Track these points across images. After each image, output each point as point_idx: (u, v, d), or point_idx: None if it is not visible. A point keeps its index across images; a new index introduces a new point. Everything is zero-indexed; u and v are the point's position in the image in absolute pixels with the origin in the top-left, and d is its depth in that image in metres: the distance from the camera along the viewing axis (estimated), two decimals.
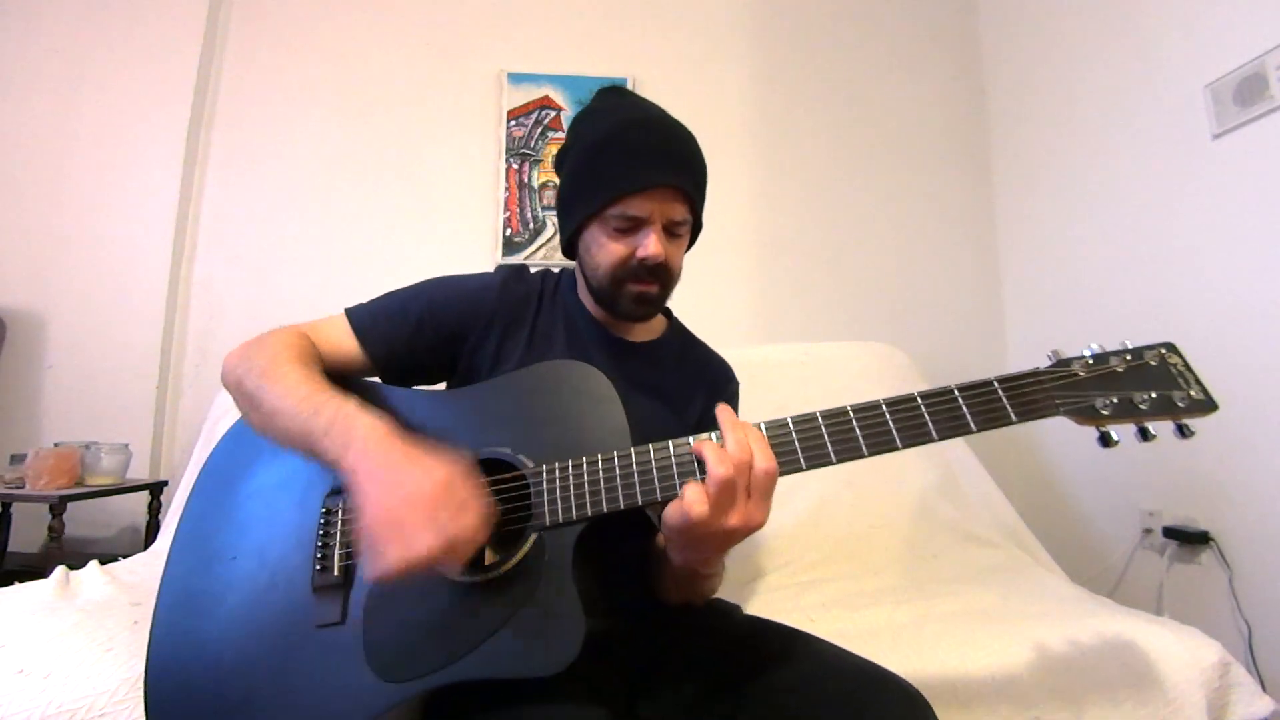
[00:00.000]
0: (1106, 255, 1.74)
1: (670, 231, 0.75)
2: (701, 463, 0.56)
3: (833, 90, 2.22)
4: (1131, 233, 1.67)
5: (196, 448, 1.56)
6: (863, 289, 2.14)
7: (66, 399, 1.86)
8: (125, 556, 1.24)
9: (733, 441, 0.56)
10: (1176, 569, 1.51)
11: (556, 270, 0.89)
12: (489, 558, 0.67)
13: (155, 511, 1.75)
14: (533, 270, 0.87)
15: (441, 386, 0.81)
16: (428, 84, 2.11)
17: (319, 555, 0.63)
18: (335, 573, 0.62)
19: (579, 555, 0.59)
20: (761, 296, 2.10)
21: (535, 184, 2.08)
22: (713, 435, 0.59)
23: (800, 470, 0.58)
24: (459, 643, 0.56)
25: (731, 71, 2.19)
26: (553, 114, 2.12)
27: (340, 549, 0.63)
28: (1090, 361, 0.59)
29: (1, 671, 0.72)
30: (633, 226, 0.73)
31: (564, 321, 0.82)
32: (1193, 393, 0.57)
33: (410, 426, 0.69)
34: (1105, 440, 0.58)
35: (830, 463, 0.58)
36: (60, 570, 1.03)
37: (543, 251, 2.05)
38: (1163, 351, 0.59)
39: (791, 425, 0.59)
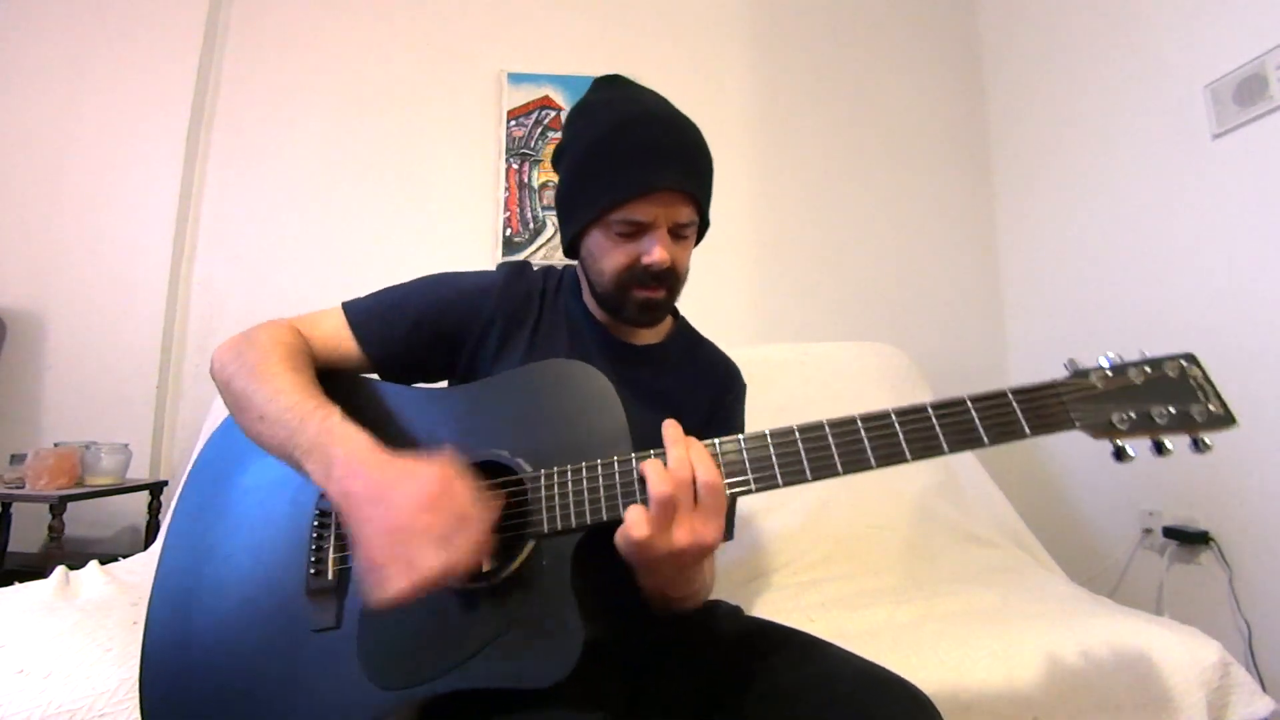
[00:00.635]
0: (1106, 255, 1.74)
1: (676, 233, 0.71)
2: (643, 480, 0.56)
3: (833, 90, 2.22)
4: (1131, 233, 1.67)
5: (196, 448, 1.54)
6: (863, 289, 2.14)
7: (66, 399, 1.86)
8: (125, 556, 1.24)
9: (673, 458, 0.56)
10: (1176, 569, 1.51)
11: (559, 268, 0.86)
12: (486, 564, 0.66)
13: (155, 511, 1.75)
14: (535, 268, 0.85)
15: (443, 384, 0.80)
16: (428, 84, 2.11)
17: (313, 559, 0.62)
18: (329, 576, 0.61)
19: (578, 562, 0.58)
20: (761, 296, 2.10)
21: (535, 184, 2.08)
22: (654, 453, 0.58)
23: (807, 482, 0.56)
24: (456, 651, 0.56)
25: (731, 71, 2.20)
26: (553, 114, 2.12)
27: (335, 552, 0.62)
28: (1108, 373, 0.57)
29: (1, 671, 0.72)
30: (636, 231, 0.70)
31: (566, 323, 0.80)
32: (1211, 407, 0.55)
33: (406, 424, 0.67)
34: (1120, 455, 0.55)
35: (838, 474, 0.56)
36: (60, 570, 1.03)
37: (543, 252, 2.05)
38: (1183, 363, 0.56)
39: (798, 435, 0.57)
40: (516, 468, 0.62)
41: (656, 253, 0.69)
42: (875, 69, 2.25)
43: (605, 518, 0.58)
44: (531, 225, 2.06)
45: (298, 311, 0.77)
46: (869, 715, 0.54)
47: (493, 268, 0.82)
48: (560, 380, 0.65)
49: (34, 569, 1.25)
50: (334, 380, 0.71)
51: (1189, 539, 1.46)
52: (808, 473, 0.56)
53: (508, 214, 2.06)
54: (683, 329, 0.89)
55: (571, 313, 0.81)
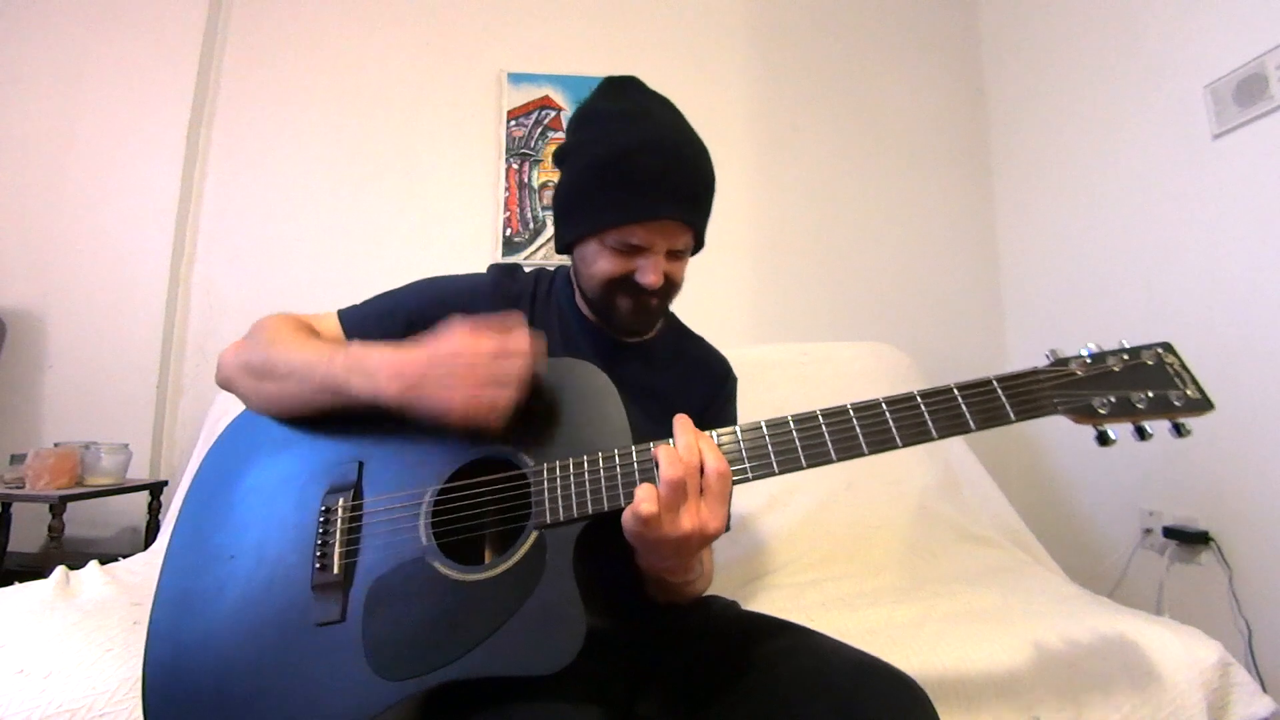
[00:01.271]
0: (1106, 255, 1.74)
1: (671, 255, 0.74)
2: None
3: (833, 90, 2.23)
4: (1131, 233, 1.67)
5: (196, 448, 1.56)
6: (863, 289, 2.14)
7: (66, 399, 1.86)
8: (125, 556, 1.24)
9: (682, 445, 0.57)
10: (1176, 569, 1.51)
11: (551, 269, 0.88)
12: (488, 556, 0.66)
13: (155, 511, 1.75)
14: (526, 270, 0.87)
15: None
16: (428, 84, 2.11)
17: (319, 554, 0.62)
18: (335, 571, 0.61)
19: (579, 553, 0.59)
20: (761, 296, 2.11)
21: (535, 184, 2.08)
22: (668, 441, 0.59)
23: (801, 469, 0.58)
24: (459, 641, 0.56)
25: (731, 71, 2.20)
26: (553, 114, 2.12)
27: (340, 547, 0.63)
28: (1088, 361, 0.60)
29: (1, 671, 0.72)
30: (633, 251, 0.72)
31: (558, 321, 0.82)
32: (1189, 392, 0.57)
33: (406, 424, 0.69)
34: (1103, 439, 0.58)
35: (831, 460, 0.58)
36: (60, 570, 1.03)
37: (542, 251, 2.05)
38: (1159, 351, 0.59)
39: (792, 424, 0.59)
40: (519, 462, 0.63)
41: (650, 275, 0.72)
42: (875, 69, 2.25)
43: (606, 508, 0.59)
44: (531, 225, 2.06)
45: (297, 311, 0.79)
46: (862, 703, 0.55)
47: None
48: (562, 379, 0.67)
49: (34, 569, 1.25)
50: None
51: (1189, 539, 1.46)
52: (802, 460, 0.58)
53: (508, 214, 2.06)
54: (672, 325, 0.91)
55: (564, 312, 0.83)
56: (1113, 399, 0.57)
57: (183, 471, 1.66)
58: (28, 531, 1.71)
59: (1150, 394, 0.57)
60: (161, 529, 1.50)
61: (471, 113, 2.11)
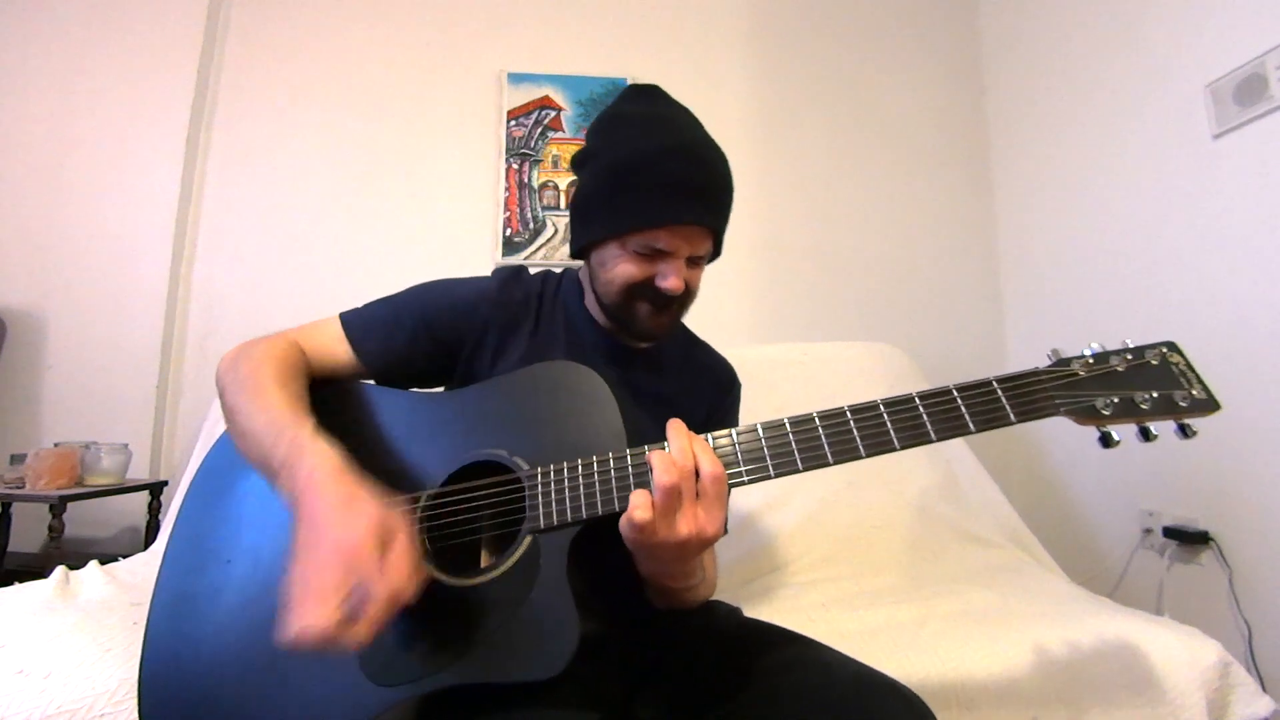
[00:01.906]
0: (1106, 254, 1.74)
1: (691, 261, 0.74)
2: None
3: (833, 89, 2.22)
4: (1131, 232, 1.67)
5: (196, 448, 1.56)
6: (863, 289, 2.14)
7: (66, 399, 1.86)
8: (125, 556, 1.24)
9: (676, 449, 0.57)
10: (1176, 569, 1.51)
11: (557, 271, 0.87)
12: (484, 560, 0.66)
13: (155, 512, 1.75)
14: (532, 271, 0.86)
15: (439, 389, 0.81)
16: (428, 84, 2.11)
17: None
18: None
19: (574, 558, 0.58)
20: (761, 296, 2.10)
21: (535, 184, 2.08)
22: (661, 445, 0.59)
23: (798, 472, 0.58)
24: (452, 647, 0.56)
25: (731, 71, 2.20)
26: (553, 114, 2.12)
27: None
28: (1091, 361, 0.58)
29: (1, 671, 0.72)
30: (654, 255, 0.72)
31: (565, 325, 0.81)
32: (1194, 392, 0.56)
33: (405, 428, 0.68)
34: (1106, 440, 0.57)
35: (828, 464, 0.57)
36: (60, 570, 1.03)
37: (543, 251, 2.05)
38: (1164, 350, 0.58)
39: (789, 427, 0.59)
40: (514, 466, 0.63)
41: (672, 280, 0.71)
42: (875, 69, 2.25)
43: (601, 512, 0.58)
44: (531, 225, 2.06)
45: (297, 311, 0.79)
46: (864, 718, 0.55)
47: (492, 268, 0.83)
48: (557, 382, 0.66)
49: (34, 569, 1.25)
50: (333, 387, 0.72)
51: (1189, 539, 1.46)
52: (799, 463, 0.57)
53: (508, 214, 2.06)
54: (679, 331, 0.90)
55: (571, 315, 0.82)
56: (1116, 399, 0.56)
57: (183, 471, 1.65)
58: (28, 531, 1.71)
59: (1155, 394, 0.56)
60: (161, 529, 1.50)
61: (471, 113, 2.11)
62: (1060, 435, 1.86)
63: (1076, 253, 1.85)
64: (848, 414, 0.58)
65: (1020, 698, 0.80)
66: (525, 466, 0.62)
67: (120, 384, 1.87)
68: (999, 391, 0.57)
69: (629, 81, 1.98)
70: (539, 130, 2.11)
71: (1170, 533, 1.50)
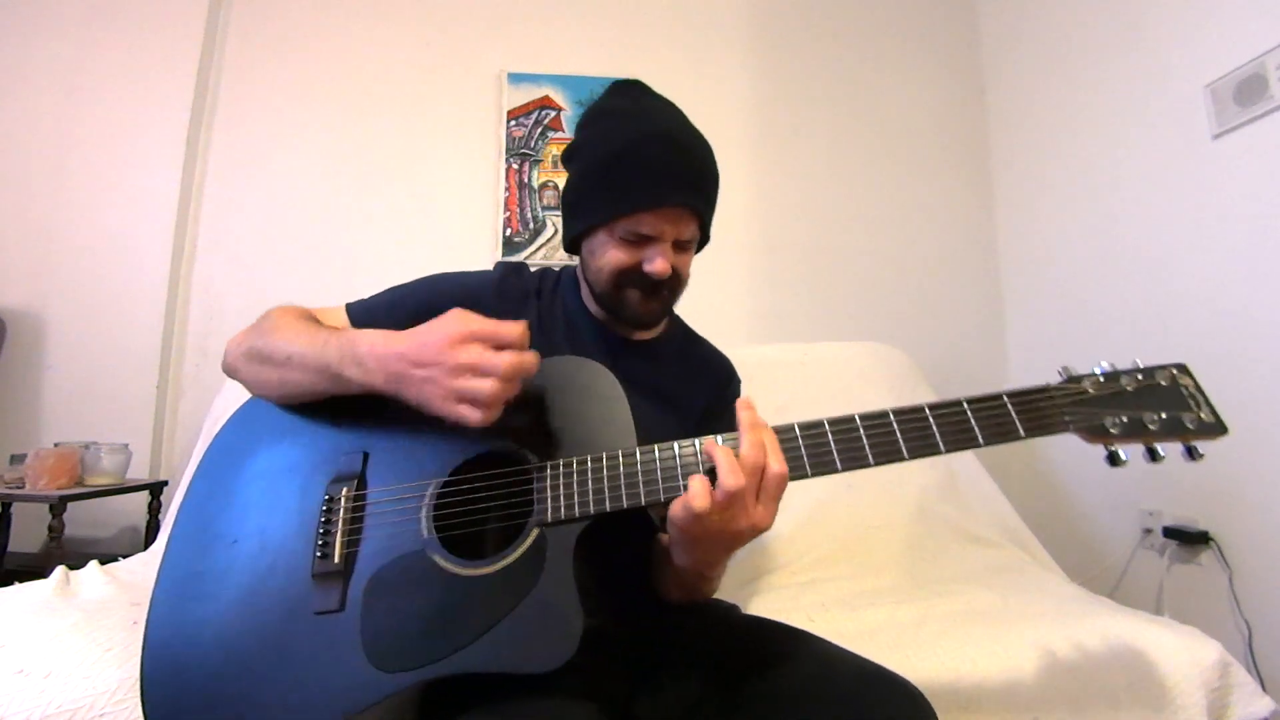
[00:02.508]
0: (1106, 254, 1.74)
1: (678, 246, 0.75)
2: (709, 464, 0.57)
3: (833, 89, 2.22)
4: (1131, 232, 1.67)
5: (196, 448, 1.56)
6: (863, 289, 2.14)
7: (66, 399, 1.86)
8: (125, 556, 1.24)
9: (748, 443, 0.56)
10: (1176, 569, 1.51)
11: (557, 269, 0.89)
12: (490, 551, 0.66)
13: (155, 512, 1.75)
14: (532, 269, 0.87)
15: None
16: (428, 84, 2.11)
17: (320, 542, 0.62)
18: (336, 560, 0.61)
19: (580, 552, 0.59)
20: (761, 296, 2.10)
21: (535, 184, 2.08)
22: (719, 438, 0.59)
23: (806, 477, 0.58)
24: (456, 635, 0.56)
25: (731, 71, 2.20)
26: (553, 114, 2.12)
27: (342, 536, 0.63)
28: (1101, 379, 0.59)
29: (1, 671, 0.72)
30: (641, 241, 0.73)
31: (564, 319, 0.82)
32: (1203, 415, 0.56)
33: (412, 419, 0.69)
34: (1114, 460, 0.57)
35: (836, 470, 0.58)
36: (60, 570, 1.03)
37: (542, 251, 2.05)
38: (1174, 372, 0.58)
39: (798, 433, 0.59)
40: (524, 458, 0.63)
41: (659, 263, 0.72)
42: (875, 69, 2.25)
43: (609, 508, 0.59)
44: (531, 225, 2.06)
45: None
46: (865, 712, 0.55)
47: (492, 267, 0.84)
48: (568, 378, 0.67)
49: (34, 569, 1.25)
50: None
51: (1189, 539, 1.46)
52: (807, 469, 0.58)
53: (508, 214, 2.06)
54: (678, 326, 0.91)
55: (569, 310, 0.83)
56: (1125, 419, 0.56)
57: (183, 471, 1.65)
58: (28, 531, 1.71)
59: (1163, 415, 0.56)
60: (161, 529, 1.50)
61: (471, 113, 2.11)
62: (1061, 436, 1.86)
63: (1076, 253, 1.85)
64: (858, 422, 0.58)
65: (1020, 698, 0.80)
66: (535, 459, 0.63)
67: (120, 384, 1.87)
68: (1009, 406, 0.58)
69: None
70: (539, 130, 2.11)
71: (1170, 533, 1.50)
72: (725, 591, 0.90)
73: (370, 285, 0.86)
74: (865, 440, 0.58)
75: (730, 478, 0.54)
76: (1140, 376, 0.58)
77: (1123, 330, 1.67)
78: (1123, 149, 1.70)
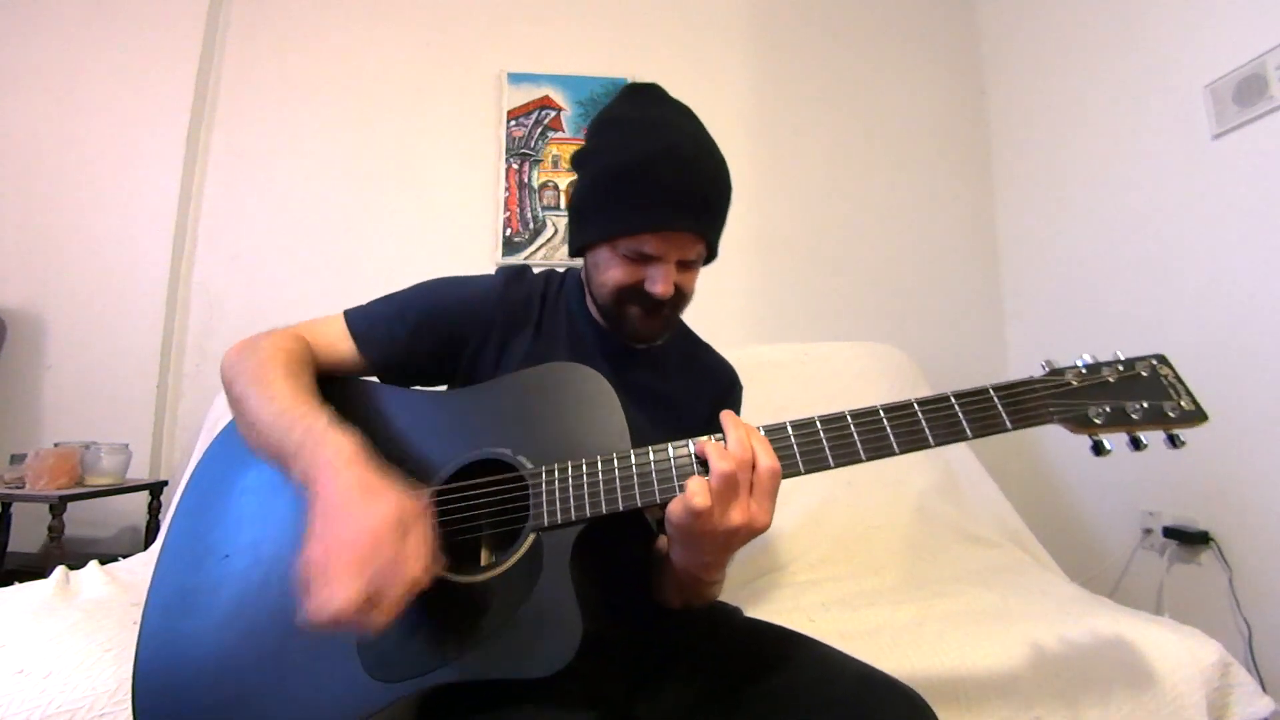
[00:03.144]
0: (1106, 254, 1.74)
1: (682, 265, 0.73)
2: (703, 461, 0.57)
3: (833, 89, 2.22)
4: (1131, 232, 1.67)
5: (196, 448, 1.56)
6: (863, 289, 2.14)
7: (66, 399, 1.86)
8: (125, 556, 1.24)
9: (734, 439, 0.57)
10: (1176, 569, 1.51)
11: (560, 270, 0.87)
12: (485, 558, 0.66)
13: (155, 511, 1.75)
14: (535, 271, 0.86)
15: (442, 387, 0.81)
16: (428, 84, 2.11)
17: None
18: None
19: (577, 557, 0.58)
20: (761, 296, 2.10)
21: (535, 184, 2.08)
22: (712, 437, 0.59)
23: (799, 474, 0.59)
24: (453, 643, 0.56)
25: (731, 71, 2.20)
26: (553, 114, 2.12)
27: None
28: (1083, 371, 0.61)
29: (1, 671, 0.72)
30: (644, 260, 0.71)
31: (567, 325, 0.81)
32: (1183, 403, 0.58)
33: (410, 426, 0.68)
34: (1098, 449, 0.59)
35: (828, 467, 0.58)
36: (60, 570, 1.03)
37: (542, 251, 2.05)
38: (1154, 363, 0.60)
39: (790, 430, 0.60)
40: (517, 464, 0.63)
41: (661, 285, 0.71)
42: (875, 69, 2.25)
43: (605, 511, 0.59)
44: (531, 225, 2.06)
45: (297, 311, 0.79)
46: (865, 717, 0.55)
47: (493, 268, 0.84)
48: (561, 383, 0.67)
49: (34, 569, 1.25)
50: (338, 383, 0.72)
51: (1189, 539, 1.46)
52: (800, 466, 0.59)
53: (508, 214, 2.06)
54: (681, 332, 0.90)
55: (573, 315, 0.82)
56: (1108, 409, 0.58)
57: (183, 471, 1.65)
58: (28, 531, 1.71)
59: (1145, 405, 0.58)
60: (161, 529, 1.50)
61: (471, 113, 2.11)
62: (1060, 436, 1.86)
63: (1076, 252, 1.85)
64: (849, 418, 0.59)
65: (1020, 698, 0.80)
66: (529, 465, 0.63)
67: (120, 384, 1.86)
68: (995, 399, 0.59)
69: (629, 82, 1.98)
70: (539, 130, 2.11)
71: (1170, 533, 1.50)
72: (725, 592, 0.89)
73: (370, 285, 0.85)
74: (856, 436, 0.58)
75: (721, 462, 0.55)
76: (1121, 368, 0.60)
77: (1123, 330, 1.67)
78: (1123, 149, 1.70)
